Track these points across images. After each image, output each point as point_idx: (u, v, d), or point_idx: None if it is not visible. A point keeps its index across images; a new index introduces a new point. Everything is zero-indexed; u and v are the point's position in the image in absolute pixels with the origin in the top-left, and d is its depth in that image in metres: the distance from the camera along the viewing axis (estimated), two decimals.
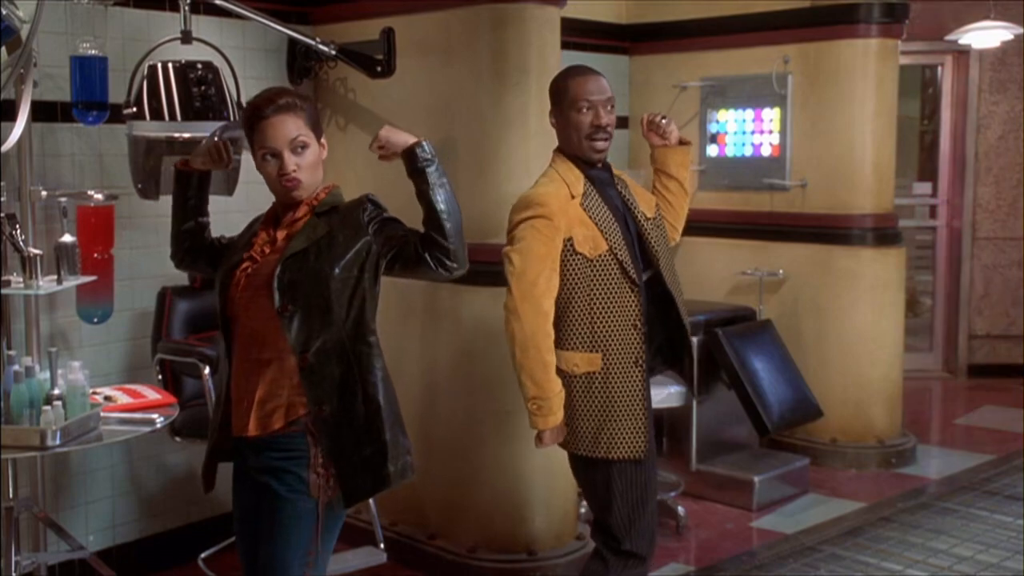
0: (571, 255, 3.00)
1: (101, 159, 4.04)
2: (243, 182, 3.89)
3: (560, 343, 3.02)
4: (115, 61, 3.85)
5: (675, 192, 3.34)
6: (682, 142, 3.32)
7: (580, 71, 3.12)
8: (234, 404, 2.61)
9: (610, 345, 3.02)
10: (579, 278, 3.01)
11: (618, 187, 3.16)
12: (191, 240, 2.79)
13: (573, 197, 3.03)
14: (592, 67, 3.15)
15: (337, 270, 2.52)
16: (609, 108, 3.06)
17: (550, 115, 3.14)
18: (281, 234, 2.61)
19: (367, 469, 2.55)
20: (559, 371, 3.01)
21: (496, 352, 3.99)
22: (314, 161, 2.58)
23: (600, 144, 3.06)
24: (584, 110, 3.03)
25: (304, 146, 2.55)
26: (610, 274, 3.01)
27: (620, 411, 3.02)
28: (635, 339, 3.04)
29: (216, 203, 3.90)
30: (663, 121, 3.26)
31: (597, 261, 3.00)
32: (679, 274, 3.27)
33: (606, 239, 3.01)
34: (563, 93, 3.08)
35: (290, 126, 2.54)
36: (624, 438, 3.02)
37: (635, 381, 3.04)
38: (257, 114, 2.55)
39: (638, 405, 3.04)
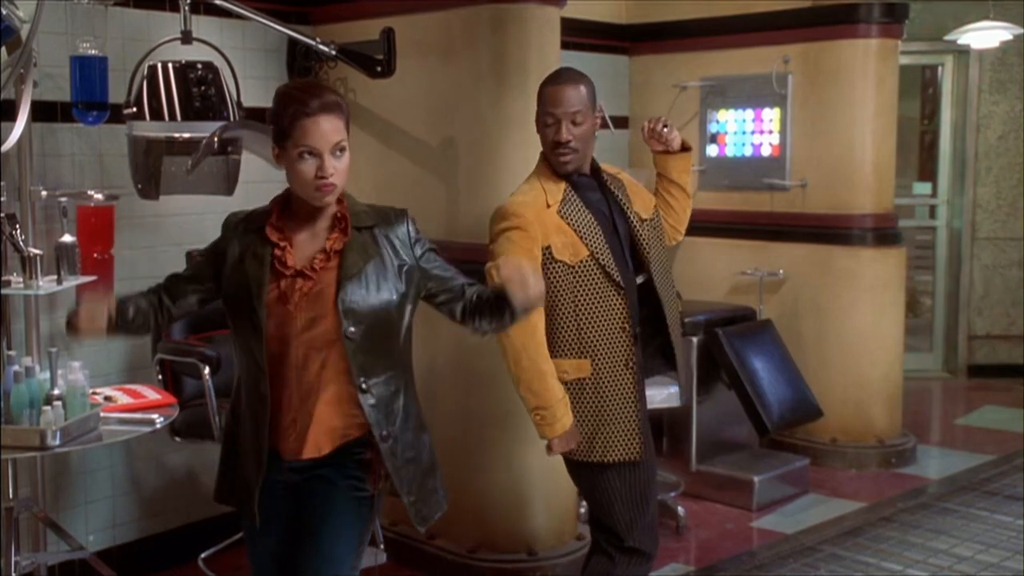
0: (551, 263, 2.99)
1: (101, 159, 4.04)
2: (242, 182, 3.90)
3: (548, 351, 3.00)
4: (115, 61, 3.85)
5: (677, 196, 3.33)
6: (684, 147, 3.30)
7: (555, 79, 3.09)
8: (280, 426, 2.50)
9: (599, 350, 3.01)
10: (562, 285, 3.00)
11: (611, 188, 3.14)
12: (163, 313, 2.61)
13: (549, 206, 3.01)
14: (575, 71, 3.11)
15: (395, 295, 2.50)
16: (574, 122, 3.00)
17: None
18: (328, 244, 2.48)
19: (433, 493, 2.65)
20: None
21: (496, 352, 3.99)
22: (347, 166, 2.48)
23: (563, 159, 3.03)
24: (548, 123, 3.02)
25: (343, 150, 2.45)
26: (593, 279, 3.00)
27: (613, 415, 3.01)
28: (624, 342, 3.03)
29: (215, 203, 3.91)
30: (664, 129, 3.23)
31: (579, 267, 2.99)
32: (680, 274, 3.26)
33: (586, 245, 3.00)
34: (539, 101, 3.08)
35: (335, 127, 2.43)
36: (618, 441, 3.02)
37: (626, 384, 3.03)
38: (302, 109, 2.40)
39: (631, 407, 3.03)
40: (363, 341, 2.46)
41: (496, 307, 2.55)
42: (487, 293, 2.60)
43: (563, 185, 3.05)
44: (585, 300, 3.00)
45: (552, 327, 3.01)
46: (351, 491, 2.54)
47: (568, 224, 3.01)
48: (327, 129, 2.42)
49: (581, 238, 3.00)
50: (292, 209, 2.53)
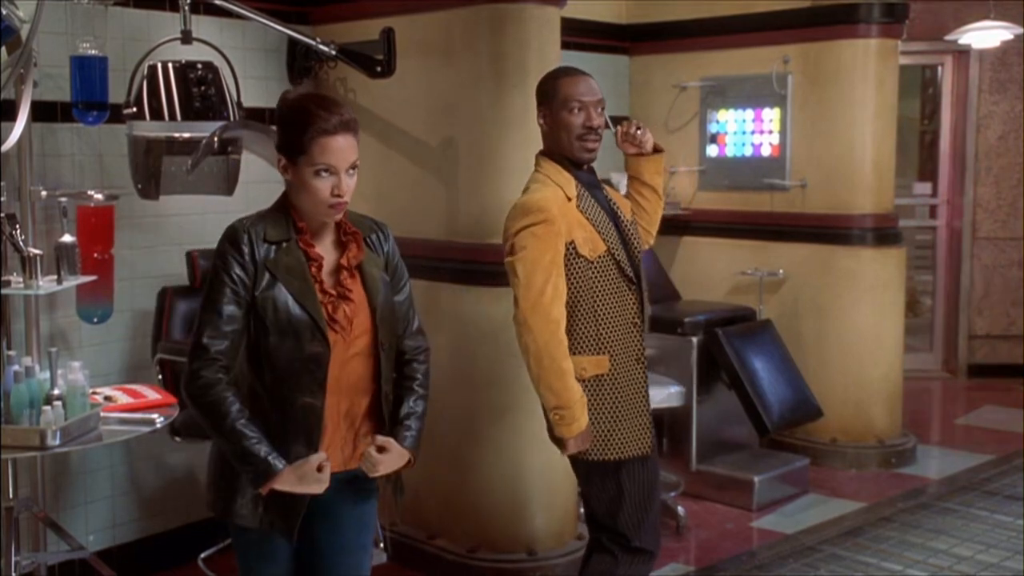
0: (574, 259, 2.98)
1: (101, 159, 4.03)
2: (242, 182, 3.90)
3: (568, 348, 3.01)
4: (115, 61, 3.84)
5: (650, 198, 3.32)
6: (656, 149, 3.29)
7: (570, 71, 3.11)
8: (323, 441, 2.47)
9: (615, 345, 3.02)
10: (582, 281, 3.00)
11: (603, 189, 3.16)
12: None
13: (569, 200, 3.01)
14: (582, 69, 3.13)
15: (395, 302, 2.57)
16: (600, 110, 3.04)
17: (538, 116, 3.11)
18: (346, 261, 2.48)
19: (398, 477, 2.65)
20: None
21: (496, 351, 3.99)
22: (355, 183, 2.46)
23: (591, 145, 3.04)
24: (576, 111, 3.01)
25: (355, 168, 2.43)
26: (610, 274, 3.01)
27: (628, 410, 3.03)
28: (636, 337, 3.05)
29: (215, 203, 3.92)
30: (638, 132, 3.22)
31: (597, 262, 3.00)
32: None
33: (604, 240, 3.01)
34: (553, 93, 3.06)
35: (352, 147, 2.40)
36: (633, 436, 3.03)
37: (639, 379, 3.05)
38: (321, 126, 2.36)
39: (642, 402, 3.05)
40: (388, 350, 2.53)
41: (398, 387, 2.62)
42: (410, 371, 2.64)
43: (573, 181, 3.05)
44: (603, 296, 3.01)
45: (571, 324, 3.00)
46: (367, 482, 2.56)
47: (587, 219, 3.02)
48: (346, 148, 2.39)
49: (599, 233, 3.01)
50: (304, 220, 2.47)
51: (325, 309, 2.42)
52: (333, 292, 2.44)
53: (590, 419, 3.00)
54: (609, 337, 3.01)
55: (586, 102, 3.01)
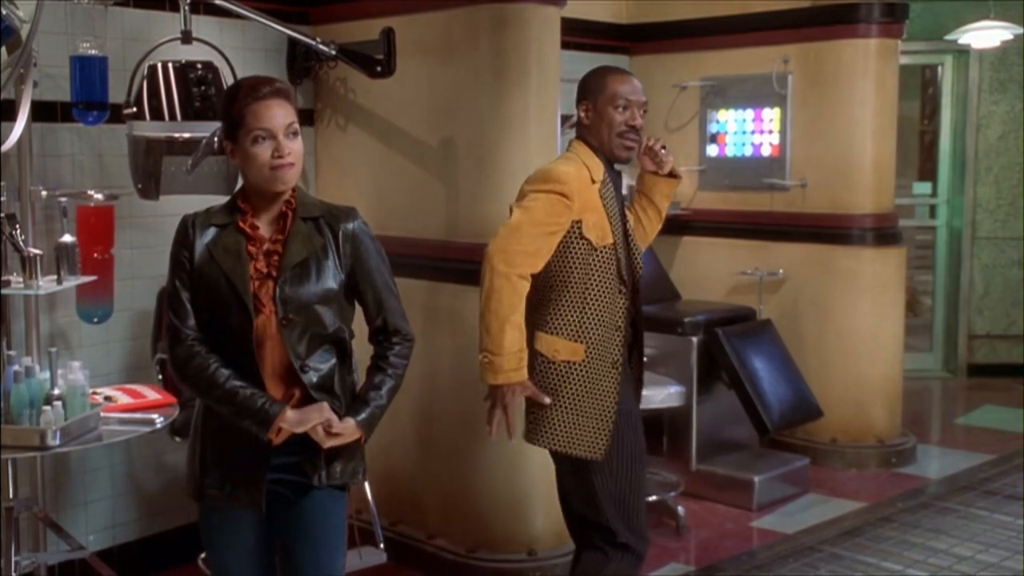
0: (577, 240, 2.99)
1: (101, 159, 4.04)
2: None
3: (545, 326, 3.01)
4: (115, 61, 3.84)
5: (652, 218, 3.37)
6: (672, 174, 3.32)
7: (620, 70, 3.18)
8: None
9: (592, 340, 3.01)
10: (579, 265, 3.00)
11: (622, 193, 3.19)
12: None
13: (593, 182, 3.03)
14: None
15: (336, 283, 2.53)
16: (643, 112, 3.10)
17: (580, 108, 3.13)
18: (270, 245, 2.52)
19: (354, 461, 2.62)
20: (539, 354, 3.01)
21: None
22: (301, 151, 2.52)
23: (629, 143, 3.09)
24: (622, 108, 3.06)
25: (296, 133, 2.51)
26: (607, 269, 3.02)
27: (590, 409, 3.01)
28: (616, 341, 3.04)
29: (214, 203, 3.91)
30: (662, 151, 3.26)
31: (600, 252, 3.01)
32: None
33: (612, 232, 3.02)
34: (601, 88, 3.10)
35: (286, 110, 2.49)
36: (587, 437, 3.01)
37: (609, 382, 3.03)
38: (253, 94, 2.47)
39: (609, 407, 3.03)
40: (297, 329, 2.48)
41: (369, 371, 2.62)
42: (380, 350, 2.62)
43: (603, 168, 3.08)
44: (595, 287, 3.01)
45: (557, 304, 3.01)
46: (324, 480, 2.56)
47: (604, 207, 3.03)
48: (279, 111, 2.48)
49: (611, 224, 3.02)
50: (252, 203, 2.56)
51: (252, 285, 2.48)
52: (264, 270, 2.50)
53: (552, 407, 3.00)
54: (589, 330, 3.00)
55: (632, 101, 3.08)
